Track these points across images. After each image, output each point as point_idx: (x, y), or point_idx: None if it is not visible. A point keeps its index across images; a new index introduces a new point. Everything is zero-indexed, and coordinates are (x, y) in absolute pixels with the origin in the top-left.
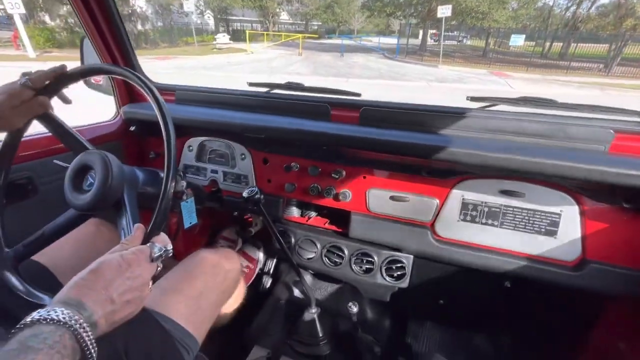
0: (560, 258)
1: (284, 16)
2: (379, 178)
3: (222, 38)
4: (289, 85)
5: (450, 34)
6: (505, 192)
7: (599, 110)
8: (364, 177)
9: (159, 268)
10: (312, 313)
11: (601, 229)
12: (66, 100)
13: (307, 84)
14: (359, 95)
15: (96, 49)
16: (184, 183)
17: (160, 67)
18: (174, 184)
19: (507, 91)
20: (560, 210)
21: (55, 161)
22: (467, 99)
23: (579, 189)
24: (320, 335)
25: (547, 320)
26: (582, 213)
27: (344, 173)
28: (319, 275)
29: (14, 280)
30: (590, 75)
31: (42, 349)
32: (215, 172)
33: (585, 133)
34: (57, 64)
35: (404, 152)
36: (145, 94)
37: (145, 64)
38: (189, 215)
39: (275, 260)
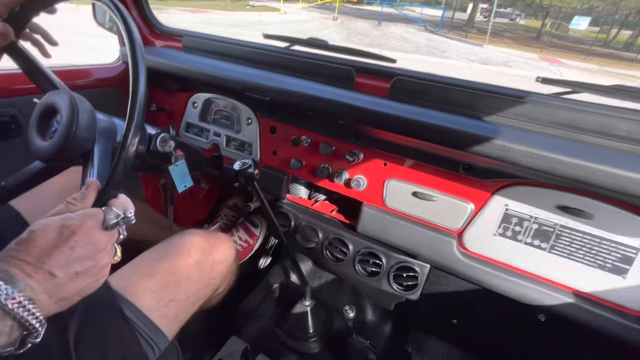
0: (625, 304)
1: None
2: (403, 168)
3: None
4: (311, 42)
5: (502, 10)
6: (566, 209)
7: None
8: (385, 165)
9: (121, 236)
10: (306, 305)
11: None
12: (51, 41)
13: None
14: (394, 61)
15: None
16: (172, 143)
17: (187, 20)
18: (137, 139)
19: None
20: None
21: (34, 100)
22: (536, 81)
23: None
24: (311, 331)
25: None
26: None
27: (361, 156)
28: (318, 266)
29: None
30: None
31: None
32: (219, 135)
33: None
34: None
35: (442, 139)
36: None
37: (175, 16)
38: (182, 179)
39: (277, 240)
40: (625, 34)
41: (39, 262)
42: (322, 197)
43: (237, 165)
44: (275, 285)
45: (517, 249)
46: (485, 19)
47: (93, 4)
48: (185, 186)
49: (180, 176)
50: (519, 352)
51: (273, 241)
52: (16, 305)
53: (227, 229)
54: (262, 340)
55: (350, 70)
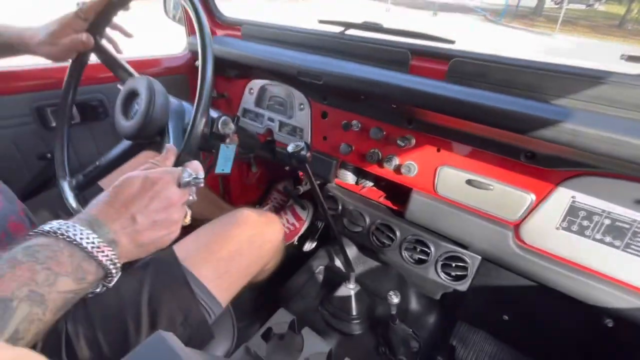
0: None
1: None
2: (458, 154)
3: None
4: (366, 25)
5: None
6: None
7: None
8: (438, 151)
9: (190, 197)
10: (350, 289)
11: None
12: (126, 34)
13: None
14: (452, 42)
15: None
16: (232, 127)
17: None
18: (204, 118)
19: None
20: None
21: (118, 85)
22: (621, 58)
23: None
24: (354, 313)
25: None
26: None
27: (413, 141)
28: (365, 250)
29: (75, 208)
30: None
31: (24, 263)
32: (272, 120)
33: None
34: None
35: (503, 123)
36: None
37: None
38: (224, 162)
39: (323, 224)
40: None
41: (123, 207)
42: (369, 183)
43: (290, 148)
44: (320, 267)
45: (583, 245)
46: (557, 6)
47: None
48: (222, 170)
49: (225, 158)
50: (578, 357)
51: (320, 225)
52: (97, 250)
53: (276, 211)
54: (306, 316)
55: (406, 53)
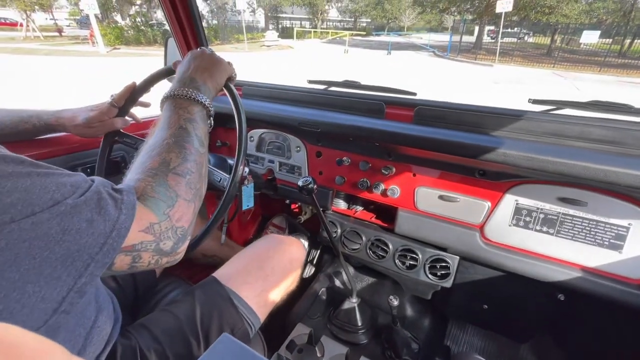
0: (625, 275)
1: (333, 13)
2: (429, 176)
3: (271, 35)
4: (346, 83)
5: (509, 30)
6: (565, 200)
7: None
8: (414, 175)
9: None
10: (353, 302)
11: None
12: (145, 105)
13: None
14: (414, 94)
15: (180, 49)
16: (247, 169)
17: None
18: (243, 167)
19: (573, 94)
20: (629, 224)
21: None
22: (529, 102)
23: None
24: (360, 324)
25: (604, 340)
26: None
27: (393, 170)
28: (361, 269)
29: None
30: None
31: (174, 110)
32: (272, 162)
33: None
34: (124, 59)
35: (458, 152)
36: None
37: None
38: (248, 199)
39: (319, 251)
40: None
41: (200, 69)
42: (360, 208)
43: (300, 182)
44: (322, 290)
45: (529, 235)
46: (493, 40)
47: None
48: (248, 205)
49: (247, 196)
50: (545, 330)
51: (315, 253)
52: (207, 101)
53: None
54: (317, 333)
55: (381, 104)
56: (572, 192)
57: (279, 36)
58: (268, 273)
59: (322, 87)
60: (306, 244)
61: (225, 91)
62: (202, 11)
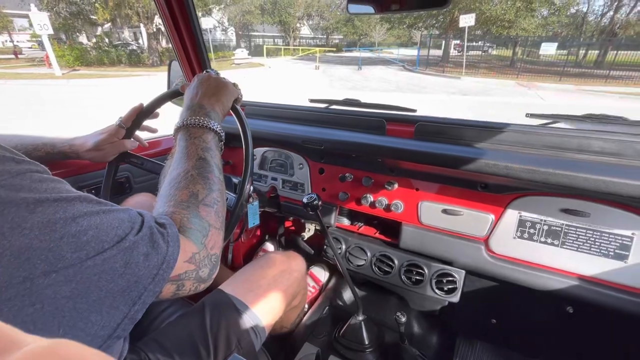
0: (632, 285)
1: (305, 31)
2: (432, 191)
3: (241, 53)
4: (347, 102)
5: (474, 44)
6: (568, 211)
7: None
8: (417, 190)
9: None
10: (359, 320)
11: None
12: (151, 130)
13: (320, 97)
14: (414, 110)
15: (183, 70)
16: (251, 188)
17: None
18: (249, 186)
19: (539, 104)
20: (632, 234)
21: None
22: (526, 116)
23: None
24: (367, 342)
25: (616, 354)
26: None
27: (396, 185)
28: (366, 285)
29: None
30: (632, 85)
31: (189, 139)
32: (275, 179)
33: None
34: (80, 80)
35: (459, 166)
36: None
37: (164, 79)
38: (253, 217)
39: (328, 274)
40: (594, 53)
41: (207, 95)
42: (363, 223)
43: (305, 199)
44: (326, 308)
45: (534, 247)
46: (460, 53)
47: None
48: (254, 223)
49: (252, 214)
50: (556, 345)
51: (320, 271)
52: (219, 128)
53: None
54: (324, 353)
55: (382, 121)
56: (574, 204)
57: (249, 54)
58: (271, 283)
59: (323, 105)
60: (326, 276)
61: (233, 113)
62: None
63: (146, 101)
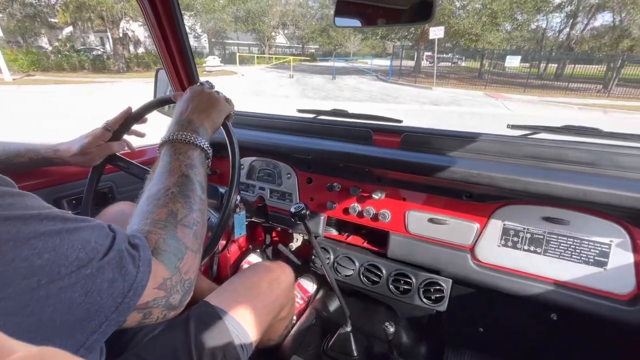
0: (612, 291)
1: (281, 39)
2: (419, 200)
3: (213, 61)
4: (334, 112)
5: (444, 55)
6: (549, 219)
7: None
8: (404, 199)
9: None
10: (348, 331)
11: None
12: (139, 135)
13: (291, 106)
14: (400, 121)
15: (170, 79)
16: (238, 197)
17: (136, 91)
18: (237, 196)
19: (506, 114)
20: (610, 241)
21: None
22: (507, 127)
23: (630, 219)
24: (355, 354)
25: (599, 358)
26: (635, 244)
27: (384, 194)
28: (354, 296)
29: None
30: (589, 97)
31: (173, 155)
32: (263, 189)
33: (635, 162)
34: (33, 87)
35: (444, 175)
36: None
37: (129, 87)
38: (240, 227)
39: (316, 285)
40: (554, 66)
41: (198, 111)
42: (351, 233)
43: (293, 209)
44: (315, 318)
45: (518, 255)
46: (431, 64)
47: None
48: (240, 233)
49: (239, 224)
50: (542, 353)
51: (308, 282)
52: (206, 145)
53: None
54: None
55: (369, 131)
56: (555, 212)
57: (222, 61)
58: (258, 293)
59: (311, 115)
60: (314, 287)
61: (222, 129)
62: (142, 36)
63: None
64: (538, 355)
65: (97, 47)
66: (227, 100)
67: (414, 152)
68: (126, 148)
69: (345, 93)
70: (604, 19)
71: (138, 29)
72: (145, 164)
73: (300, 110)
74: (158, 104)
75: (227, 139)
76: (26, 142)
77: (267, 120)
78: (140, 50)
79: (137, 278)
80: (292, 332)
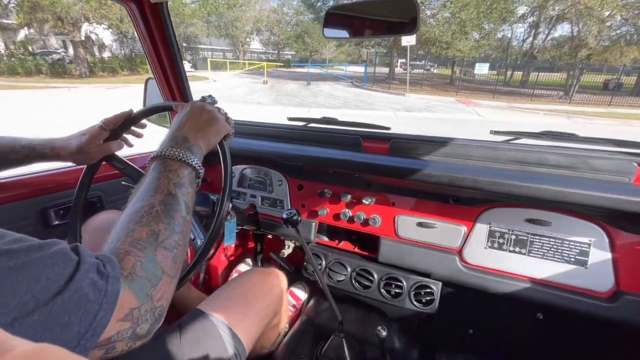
0: (593, 289)
1: (256, 45)
2: (408, 204)
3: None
4: (325, 120)
5: (418, 62)
6: (532, 221)
7: (618, 144)
8: (393, 204)
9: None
10: (341, 337)
11: (634, 259)
12: (138, 135)
13: (264, 113)
14: (388, 128)
15: (160, 88)
16: (230, 205)
17: (94, 98)
18: (230, 204)
19: (477, 120)
20: (589, 240)
21: (123, 183)
22: (490, 133)
23: (607, 219)
24: None
25: (586, 357)
26: (612, 243)
27: (374, 199)
28: (346, 302)
29: None
30: (552, 103)
31: (163, 172)
32: (254, 196)
33: (609, 165)
34: None
35: (431, 180)
36: None
37: (88, 94)
38: (230, 235)
39: (308, 293)
40: (519, 74)
41: (195, 128)
42: (342, 238)
43: (285, 215)
44: (308, 325)
45: (504, 256)
46: (405, 71)
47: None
48: (230, 241)
49: (229, 232)
50: (531, 353)
51: (301, 287)
52: (198, 164)
53: None
54: None
55: (358, 138)
56: (537, 214)
57: (192, 67)
58: (250, 300)
59: (301, 123)
60: (306, 295)
61: (218, 147)
62: (108, 40)
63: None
64: (527, 355)
65: (57, 50)
66: (227, 120)
67: (402, 158)
68: (123, 145)
69: (320, 99)
70: (564, 29)
71: (103, 33)
72: None
73: (290, 119)
74: (158, 109)
75: (221, 159)
76: (20, 137)
77: (258, 128)
78: (106, 54)
79: (97, 317)
80: (285, 340)
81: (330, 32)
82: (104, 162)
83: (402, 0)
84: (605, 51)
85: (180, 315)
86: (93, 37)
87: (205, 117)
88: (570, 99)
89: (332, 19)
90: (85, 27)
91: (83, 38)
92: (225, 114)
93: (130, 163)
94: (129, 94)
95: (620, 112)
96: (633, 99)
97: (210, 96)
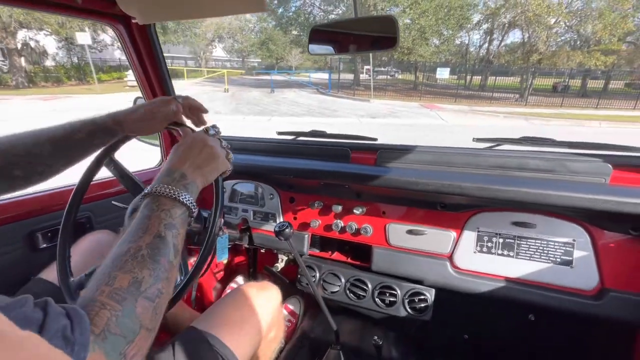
0: (579, 287)
1: (220, 52)
2: (397, 213)
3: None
4: (313, 133)
5: (382, 69)
6: (518, 224)
7: (593, 147)
8: (383, 213)
9: (224, 143)
10: (337, 350)
11: (616, 257)
12: (203, 110)
13: (222, 122)
14: (375, 139)
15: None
16: (222, 221)
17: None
18: (222, 220)
19: (441, 124)
20: (573, 240)
21: (113, 202)
22: (473, 140)
23: (587, 218)
24: None
25: (577, 355)
26: (594, 242)
27: (364, 209)
28: (342, 314)
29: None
30: (510, 105)
31: (155, 211)
32: (246, 211)
33: (586, 167)
34: None
35: (418, 188)
36: None
37: (19, 107)
38: (222, 251)
39: (302, 307)
40: (478, 78)
41: (194, 165)
42: (335, 249)
43: (277, 227)
44: (304, 339)
45: (493, 260)
46: (369, 77)
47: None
48: (222, 258)
49: (221, 248)
50: (525, 355)
51: (295, 301)
52: (192, 203)
53: None
54: None
55: (347, 150)
56: (522, 217)
57: None
58: (245, 315)
59: (290, 137)
60: (302, 309)
61: (213, 184)
62: (52, 48)
63: None
64: (522, 357)
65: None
66: (228, 156)
67: (389, 168)
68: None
69: (282, 107)
70: (515, 36)
71: (45, 39)
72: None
73: (279, 133)
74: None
75: (214, 196)
76: (80, 118)
77: (248, 143)
78: (48, 62)
79: None
80: (282, 355)
81: (315, 48)
82: (93, 182)
83: (382, 18)
84: (554, 56)
85: (172, 334)
86: (32, 44)
87: (205, 154)
88: (525, 102)
89: (317, 35)
90: (24, 34)
91: (19, 46)
92: (227, 147)
93: (130, 173)
94: (66, 106)
95: (571, 112)
96: (580, 100)
97: (214, 126)
